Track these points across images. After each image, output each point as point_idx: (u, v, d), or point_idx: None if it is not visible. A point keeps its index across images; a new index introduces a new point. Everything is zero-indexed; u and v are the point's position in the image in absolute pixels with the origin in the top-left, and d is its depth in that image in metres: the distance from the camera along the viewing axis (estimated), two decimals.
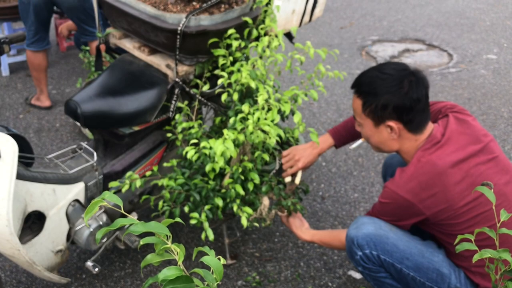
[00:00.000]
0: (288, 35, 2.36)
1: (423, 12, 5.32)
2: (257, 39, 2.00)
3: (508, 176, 1.57)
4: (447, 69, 4.05)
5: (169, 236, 0.72)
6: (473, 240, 0.96)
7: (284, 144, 2.20)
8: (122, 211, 0.72)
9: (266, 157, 1.88)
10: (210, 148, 1.70)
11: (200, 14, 1.85)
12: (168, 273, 0.69)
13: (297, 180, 1.99)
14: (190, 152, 1.77)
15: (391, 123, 1.56)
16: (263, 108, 1.75)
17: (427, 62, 4.22)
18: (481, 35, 4.70)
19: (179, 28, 1.79)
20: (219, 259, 0.73)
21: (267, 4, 2.00)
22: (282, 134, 1.79)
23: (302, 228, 1.94)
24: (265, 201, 1.94)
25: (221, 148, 1.61)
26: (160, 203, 1.86)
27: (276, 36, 1.87)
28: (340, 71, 1.93)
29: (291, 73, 2.01)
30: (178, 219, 0.79)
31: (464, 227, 1.52)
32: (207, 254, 0.74)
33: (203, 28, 1.83)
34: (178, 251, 0.70)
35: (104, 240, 2.00)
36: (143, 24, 1.88)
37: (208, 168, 1.75)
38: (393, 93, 1.53)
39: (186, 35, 1.81)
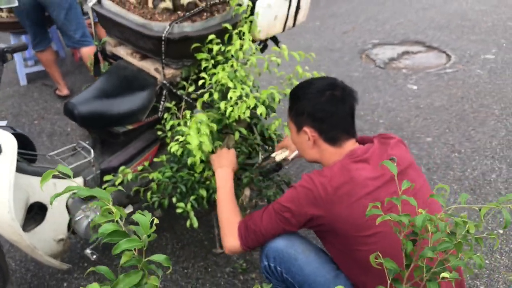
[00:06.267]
0: (274, 39, 2.53)
1: (426, 15, 5.42)
2: None
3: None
4: (444, 70, 4.15)
5: (110, 200, 0.89)
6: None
7: (268, 140, 2.36)
8: (78, 184, 0.89)
9: (244, 149, 2.05)
10: (188, 143, 1.87)
11: (183, 22, 2.03)
12: (107, 227, 0.86)
13: (278, 158, 2.06)
14: (174, 147, 1.95)
15: (307, 129, 1.60)
16: (236, 104, 1.92)
17: (426, 63, 4.32)
18: (480, 36, 4.77)
19: (163, 35, 1.98)
20: (153, 216, 0.89)
21: (251, 14, 2.17)
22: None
23: (225, 167, 1.88)
24: (246, 191, 2.10)
25: (195, 141, 1.78)
26: (148, 194, 2.04)
27: (253, 40, 2.04)
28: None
29: (270, 74, 2.17)
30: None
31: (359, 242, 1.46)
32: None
33: (185, 34, 2.01)
34: (115, 211, 0.87)
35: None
36: (133, 33, 2.08)
37: (189, 161, 1.92)
38: (310, 100, 1.59)
39: (170, 41, 2.00)
